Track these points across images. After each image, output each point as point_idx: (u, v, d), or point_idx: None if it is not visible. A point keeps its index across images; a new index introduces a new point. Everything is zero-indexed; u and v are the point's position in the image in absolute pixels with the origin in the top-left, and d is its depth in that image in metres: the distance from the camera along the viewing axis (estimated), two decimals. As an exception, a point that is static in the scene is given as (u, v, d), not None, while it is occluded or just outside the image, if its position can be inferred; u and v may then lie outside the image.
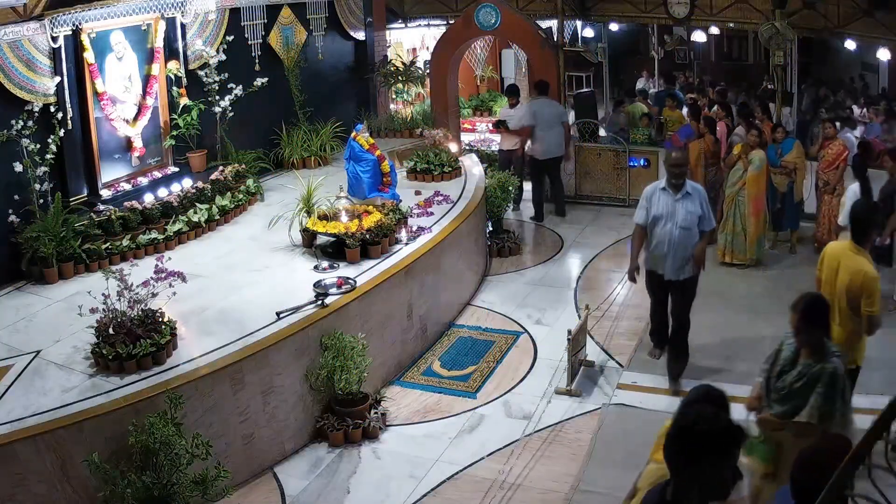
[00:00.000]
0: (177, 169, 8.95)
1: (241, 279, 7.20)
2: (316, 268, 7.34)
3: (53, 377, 5.57)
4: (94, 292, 6.07)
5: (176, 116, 8.84)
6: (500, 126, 11.51)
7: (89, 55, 7.68)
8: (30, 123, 7.07)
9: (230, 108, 9.38)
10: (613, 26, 15.62)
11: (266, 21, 10.27)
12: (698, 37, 16.13)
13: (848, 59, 15.34)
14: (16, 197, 7.10)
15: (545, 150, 11.11)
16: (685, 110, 12.48)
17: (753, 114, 10.77)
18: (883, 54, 11.84)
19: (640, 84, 17.18)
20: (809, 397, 4.39)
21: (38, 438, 4.89)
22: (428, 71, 12.79)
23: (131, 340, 5.61)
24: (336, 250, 7.61)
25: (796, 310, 4.52)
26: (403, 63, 12.92)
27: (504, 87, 15.78)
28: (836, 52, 15.06)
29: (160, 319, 5.88)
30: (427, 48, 14.83)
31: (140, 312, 5.84)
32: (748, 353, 7.31)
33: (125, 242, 7.57)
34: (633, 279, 7.13)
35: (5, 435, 4.88)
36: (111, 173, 8.18)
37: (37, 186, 7.16)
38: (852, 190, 7.86)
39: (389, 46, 13.54)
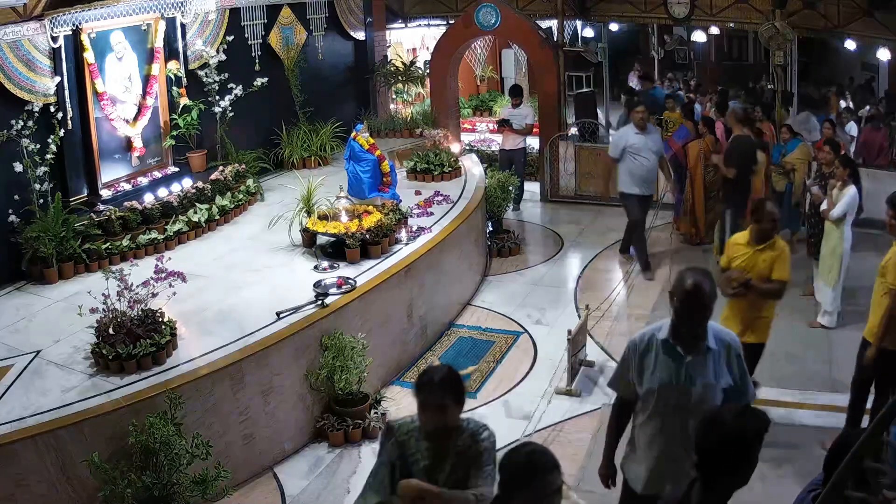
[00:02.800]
0: (177, 169, 8.95)
1: (241, 279, 7.20)
2: (316, 268, 7.34)
3: (53, 377, 5.56)
4: (94, 292, 6.08)
5: (176, 116, 8.84)
6: (503, 125, 11.50)
7: (89, 55, 7.68)
8: (30, 123, 7.07)
9: (230, 108, 9.39)
10: (613, 26, 15.63)
11: (266, 21, 10.28)
12: (698, 37, 16.15)
13: (848, 59, 15.34)
14: (16, 197, 7.10)
15: (631, 184, 9.20)
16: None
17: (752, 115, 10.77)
18: (883, 54, 11.84)
19: (633, 84, 17.16)
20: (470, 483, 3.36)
21: (38, 438, 4.88)
22: (428, 71, 12.80)
23: (131, 340, 5.61)
24: (336, 250, 7.61)
25: (422, 382, 3.42)
26: (403, 63, 12.93)
27: (504, 87, 15.83)
28: (836, 52, 15.07)
29: (160, 319, 5.88)
30: (427, 48, 14.84)
31: (140, 312, 5.84)
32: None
33: (125, 242, 7.56)
34: (606, 485, 4.22)
35: (5, 435, 4.87)
36: (111, 173, 8.18)
37: (37, 186, 7.16)
38: (852, 188, 7.81)
39: (389, 46, 13.56)
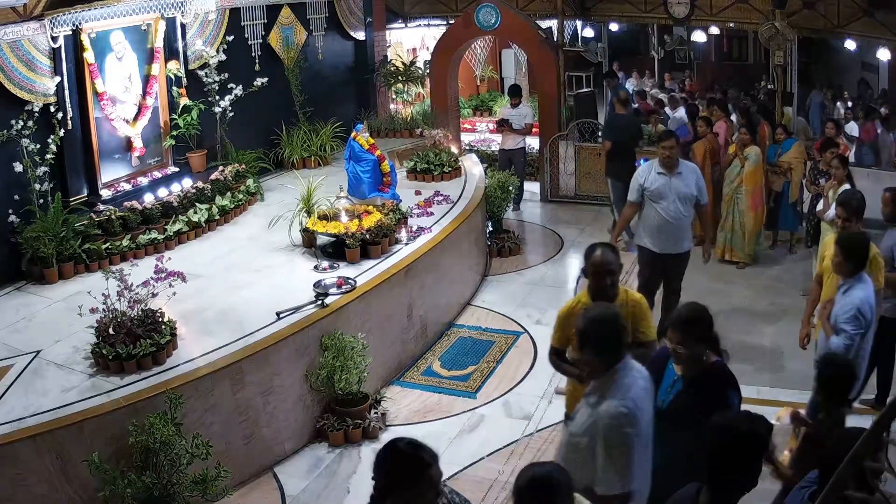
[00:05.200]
0: (177, 169, 8.94)
1: (241, 279, 7.20)
2: (316, 268, 7.34)
3: (53, 377, 5.57)
4: (94, 292, 6.08)
5: (176, 116, 8.84)
6: (502, 125, 11.50)
7: (89, 55, 7.67)
8: (30, 123, 7.07)
9: (230, 108, 9.38)
10: (613, 26, 15.66)
11: (266, 21, 10.27)
12: (698, 37, 16.15)
13: (848, 59, 15.34)
14: (16, 197, 7.10)
15: (642, 236, 7.22)
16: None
17: (752, 115, 10.79)
18: (883, 54, 11.84)
19: (631, 85, 17.16)
20: None
21: (38, 438, 4.88)
22: (428, 71, 12.80)
23: (131, 340, 5.61)
24: (336, 250, 7.61)
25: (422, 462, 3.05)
26: (403, 63, 12.93)
27: (504, 87, 15.83)
28: (836, 52, 15.07)
29: (160, 319, 5.88)
30: (427, 48, 14.85)
31: (140, 312, 5.84)
32: (746, 352, 7.32)
33: (125, 242, 7.56)
34: None
35: (5, 435, 4.87)
36: (111, 173, 8.18)
37: (37, 186, 7.15)
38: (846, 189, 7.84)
39: (389, 46, 13.56)
